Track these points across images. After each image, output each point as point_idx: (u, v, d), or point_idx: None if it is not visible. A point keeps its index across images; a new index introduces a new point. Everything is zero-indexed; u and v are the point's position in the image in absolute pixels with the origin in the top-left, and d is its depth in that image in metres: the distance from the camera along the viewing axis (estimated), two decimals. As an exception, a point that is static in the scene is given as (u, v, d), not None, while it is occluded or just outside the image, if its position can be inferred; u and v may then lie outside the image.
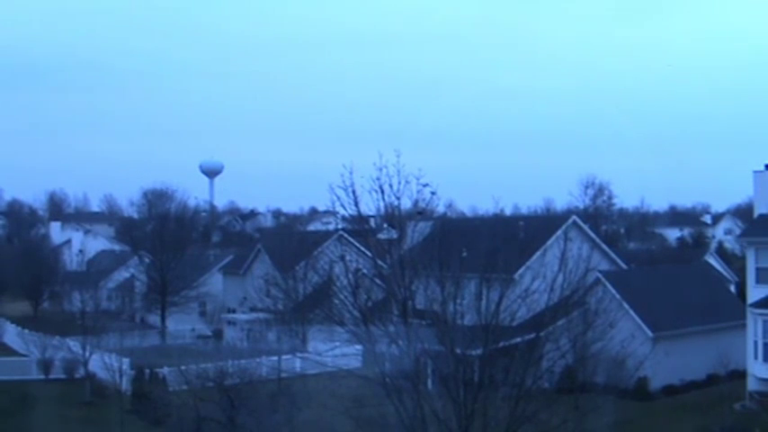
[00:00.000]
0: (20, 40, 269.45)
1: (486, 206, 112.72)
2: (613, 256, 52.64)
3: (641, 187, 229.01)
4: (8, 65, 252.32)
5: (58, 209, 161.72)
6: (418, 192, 23.75)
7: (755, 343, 38.75)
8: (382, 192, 23.05)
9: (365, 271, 26.40)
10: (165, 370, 44.38)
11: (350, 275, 24.09)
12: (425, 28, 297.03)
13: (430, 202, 25.76)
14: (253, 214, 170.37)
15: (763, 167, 40.61)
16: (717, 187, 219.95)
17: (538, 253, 42.86)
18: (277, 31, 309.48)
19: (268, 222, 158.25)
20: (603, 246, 52.73)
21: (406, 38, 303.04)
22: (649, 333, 41.26)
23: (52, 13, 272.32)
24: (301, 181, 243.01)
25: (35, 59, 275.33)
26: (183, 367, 37.66)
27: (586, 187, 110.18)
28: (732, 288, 61.41)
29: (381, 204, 23.60)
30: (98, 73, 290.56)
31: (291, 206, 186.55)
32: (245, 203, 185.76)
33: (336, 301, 25.45)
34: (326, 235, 63.53)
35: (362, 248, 40.03)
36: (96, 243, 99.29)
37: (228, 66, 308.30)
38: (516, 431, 19.86)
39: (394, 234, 30.67)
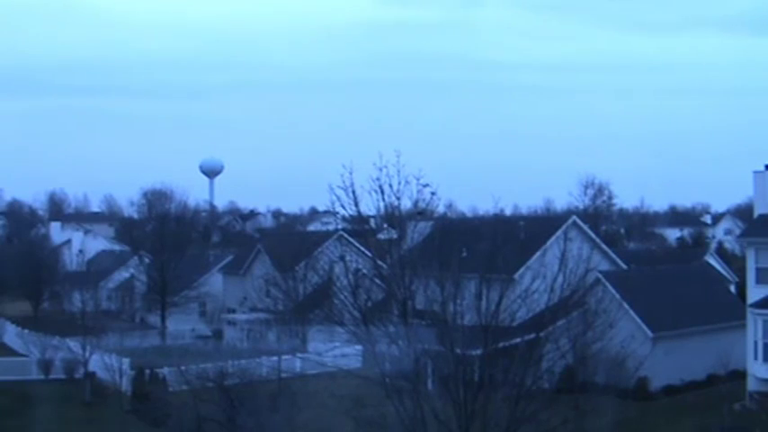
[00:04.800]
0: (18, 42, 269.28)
1: (486, 206, 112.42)
2: (613, 256, 52.61)
3: (641, 187, 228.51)
4: (8, 65, 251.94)
5: (58, 209, 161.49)
6: (418, 192, 23.85)
7: (755, 343, 38.74)
8: (382, 192, 23.15)
9: (365, 271, 26.46)
10: (165, 370, 44.33)
11: (350, 276, 24.19)
12: (424, 27, 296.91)
13: (430, 203, 25.84)
14: (253, 214, 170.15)
15: (763, 167, 40.58)
16: (717, 187, 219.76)
17: (538, 253, 42.95)
18: (275, 31, 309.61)
19: (268, 222, 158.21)
20: (603, 246, 52.70)
21: (405, 37, 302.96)
22: (649, 333, 41.24)
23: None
24: (301, 181, 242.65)
25: (36, 59, 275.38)
26: (182, 367, 37.69)
27: (586, 187, 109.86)
28: (732, 288, 61.32)
29: (381, 204, 23.66)
30: (97, 72, 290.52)
31: (291, 206, 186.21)
32: (245, 203, 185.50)
33: (336, 302, 25.52)
34: (326, 235, 63.45)
35: (362, 248, 40.09)
36: (96, 243, 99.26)
37: (228, 65, 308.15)
38: (516, 431, 19.87)
39: (394, 234, 30.69)
